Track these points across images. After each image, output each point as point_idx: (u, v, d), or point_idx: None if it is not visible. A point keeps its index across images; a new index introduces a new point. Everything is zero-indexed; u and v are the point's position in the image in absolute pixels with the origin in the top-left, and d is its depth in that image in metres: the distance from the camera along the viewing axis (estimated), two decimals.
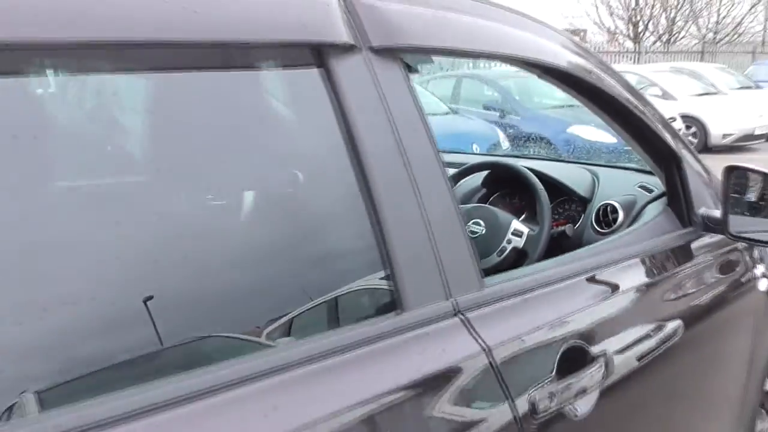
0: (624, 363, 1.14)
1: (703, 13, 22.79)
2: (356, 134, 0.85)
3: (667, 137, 1.57)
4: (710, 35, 22.94)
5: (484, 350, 0.91)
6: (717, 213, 1.57)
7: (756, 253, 1.82)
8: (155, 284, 0.72)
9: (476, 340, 0.91)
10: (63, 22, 0.64)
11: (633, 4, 21.32)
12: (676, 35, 21.38)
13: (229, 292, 0.78)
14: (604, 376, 1.07)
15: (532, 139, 8.19)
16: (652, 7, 21.49)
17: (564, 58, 1.29)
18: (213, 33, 0.74)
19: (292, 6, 0.83)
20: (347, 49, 0.87)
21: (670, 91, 10.96)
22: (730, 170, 1.56)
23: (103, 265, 0.70)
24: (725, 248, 1.66)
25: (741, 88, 12.63)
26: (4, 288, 0.64)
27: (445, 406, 0.85)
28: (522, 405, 0.92)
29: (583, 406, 1.03)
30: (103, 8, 0.65)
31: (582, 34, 22.29)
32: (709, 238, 1.60)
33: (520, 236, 1.67)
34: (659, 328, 1.29)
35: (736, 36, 23.89)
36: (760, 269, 1.82)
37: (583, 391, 1.02)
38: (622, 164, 2.17)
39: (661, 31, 21.93)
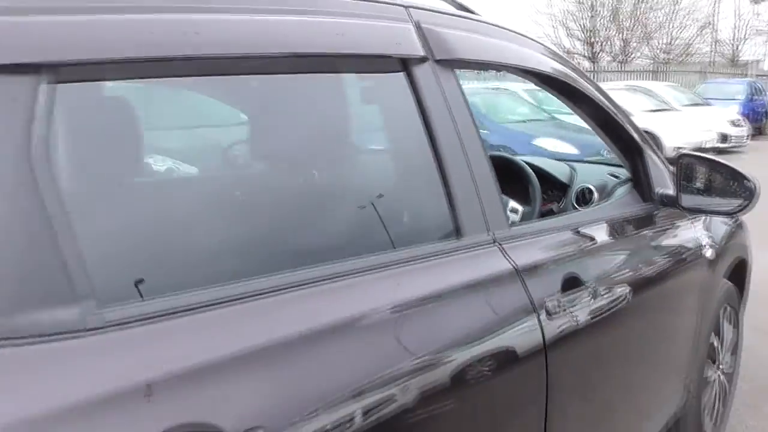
0: (604, 289, 1.55)
1: (655, 35, 24.00)
2: (428, 119, 1.24)
3: (633, 133, 2.01)
4: (662, 56, 24.12)
5: (515, 269, 1.31)
6: (671, 191, 2.01)
7: (703, 225, 2.27)
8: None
9: (509, 262, 1.31)
10: (266, 43, 1.02)
11: (590, 26, 22.38)
12: (630, 55, 22.51)
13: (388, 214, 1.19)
14: (592, 296, 1.48)
15: (500, 150, 8.65)
16: (608, 29, 22.58)
17: (559, 69, 1.72)
18: (347, 48, 1.13)
19: (389, 30, 1.22)
20: (421, 60, 1.27)
21: (626, 107, 11.58)
22: (682, 157, 2.00)
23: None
24: (678, 218, 2.10)
25: (691, 105, 13.45)
26: None
27: (491, 303, 1.24)
28: (540, 307, 1.32)
29: (581, 317, 1.43)
30: (285, 37, 1.04)
31: None
32: (665, 211, 2.04)
33: (516, 213, 2.08)
34: (628, 270, 1.72)
35: (686, 56, 25.16)
36: (706, 239, 2.26)
37: (579, 305, 1.43)
38: (593, 159, 2.62)
39: (616, 52, 23.03)
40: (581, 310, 1.43)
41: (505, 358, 1.22)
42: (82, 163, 0.98)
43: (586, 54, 23.31)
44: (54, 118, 0.76)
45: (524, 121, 9.54)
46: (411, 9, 1.31)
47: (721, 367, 2.63)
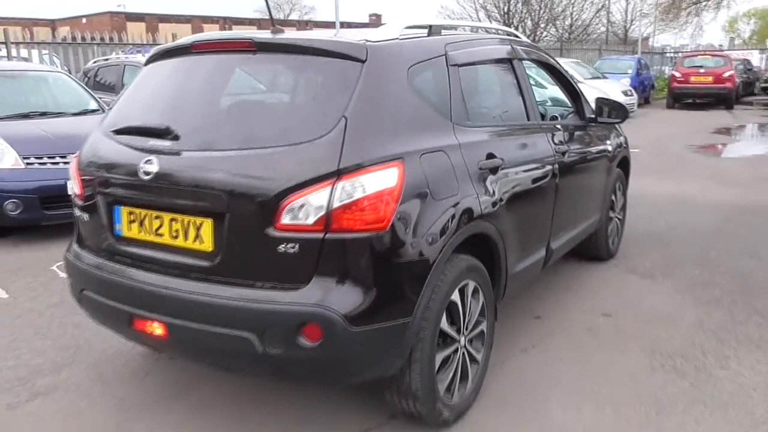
0: (571, 150, 3.81)
1: (559, 17, 27.14)
2: (518, 79, 3.40)
3: (576, 86, 4.29)
4: (566, 35, 27.29)
5: (545, 134, 3.53)
6: (593, 115, 4.31)
7: (611, 133, 4.61)
8: None
9: (543, 130, 3.53)
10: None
11: (506, 10, 25.14)
12: (540, 35, 25.45)
13: None
14: (568, 151, 3.73)
15: None
16: (521, 13, 25.47)
17: (546, 58, 3.97)
18: (506, 55, 3.33)
19: (505, 47, 3.41)
20: (513, 58, 3.42)
21: (540, 80, 14.20)
22: (597, 99, 4.31)
23: None
24: (598, 128, 4.41)
25: (592, 78, 16.19)
26: None
27: (542, 143, 3.43)
28: (554, 151, 3.55)
29: (566, 159, 3.67)
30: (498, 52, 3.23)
31: None
32: (590, 126, 4.33)
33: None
34: (578, 146, 3.99)
35: (585, 36, 28.44)
36: (608, 141, 4.60)
37: (564, 154, 3.67)
38: (553, 105, 4.89)
39: (528, 32, 25.89)
40: (566, 156, 3.69)
41: (548, 169, 3.44)
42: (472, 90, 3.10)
43: None
44: (459, 78, 2.87)
45: None
46: (507, 39, 3.50)
47: (616, 213, 5.00)
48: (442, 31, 3.05)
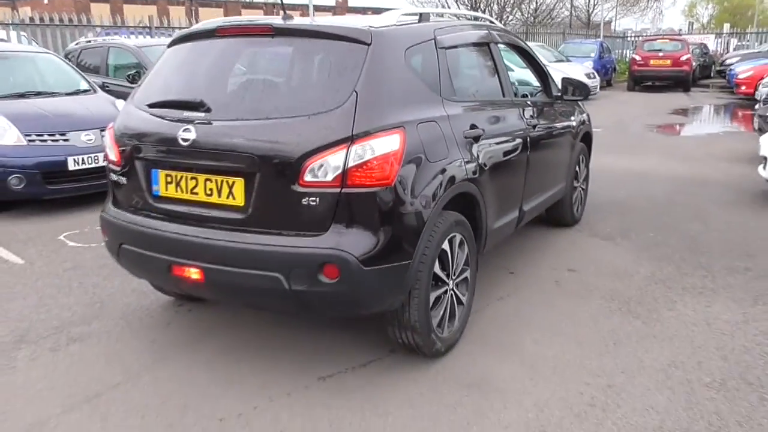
0: (541, 123, 4.30)
1: (525, 2, 27.75)
2: (495, 61, 3.87)
3: (544, 67, 4.78)
4: (531, 19, 27.90)
5: (518, 108, 4.01)
6: (559, 93, 4.81)
7: (575, 111, 5.13)
8: None
9: (517, 105, 4.01)
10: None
11: None
12: (506, 19, 25.96)
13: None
14: (538, 125, 4.22)
15: None
16: None
17: (518, 42, 4.44)
18: (484, 40, 3.78)
19: (485, 32, 3.88)
20: (491, 42, 3.89)
21: (509, 64, 14.75)
22: (563, 79, 4.81)
23: None
24: (563, 105, 4.92)
25: (557, 61, 16.78)
26: None
27: (515, 117, 3.93)
28: (526, 124, 4.04)
29: (534, 132, 4.16)
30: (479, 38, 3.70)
31: None
32: (558, 102, 4.83)
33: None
34: (545, 121, 4.49)
35: (550, 20, 29.09)
36: (572, 118, 5.11)
37: (534, 126, 4.16)
38: (524, 86, 5.39)
39: (494, 17, 26.40)
40: (536, 129, 4.18)
41: (521, 140, 3.92)
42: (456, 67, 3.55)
43: None
44: (446, 59, 3.31)
45: None
46: (488, 24, 3.96)
47: (580, 183, 5.53)
48: (431, 18, 3.49)
